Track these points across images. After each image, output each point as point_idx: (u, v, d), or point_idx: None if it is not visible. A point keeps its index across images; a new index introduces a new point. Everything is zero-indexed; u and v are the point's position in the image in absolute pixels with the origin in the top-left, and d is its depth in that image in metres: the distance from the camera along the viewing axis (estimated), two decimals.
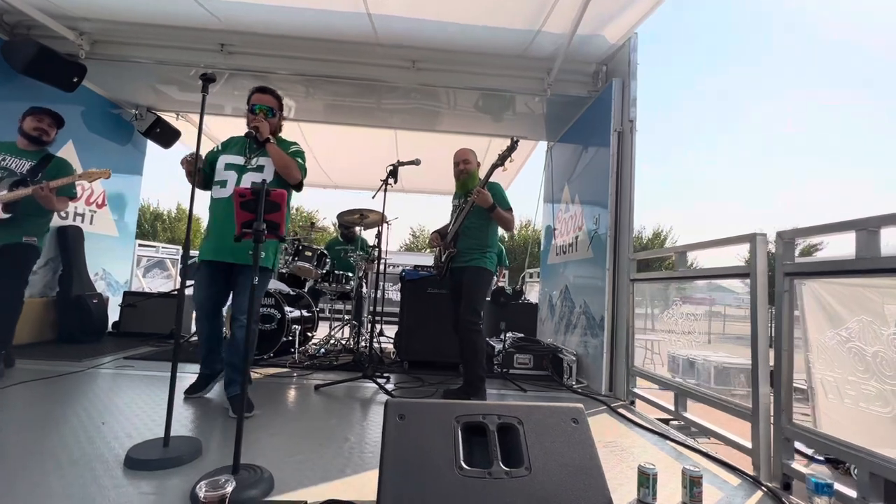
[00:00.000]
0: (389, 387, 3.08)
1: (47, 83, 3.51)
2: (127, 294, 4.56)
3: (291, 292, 4.05)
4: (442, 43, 3.57)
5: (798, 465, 1.71)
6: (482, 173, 2.85)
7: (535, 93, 3.92)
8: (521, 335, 4.23)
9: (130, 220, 5.19)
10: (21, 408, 2.23)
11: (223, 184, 2.33)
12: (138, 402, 2.37)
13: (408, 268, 3.84)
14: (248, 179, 2.31)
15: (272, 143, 2.35)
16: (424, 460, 1.17)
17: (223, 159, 2.38)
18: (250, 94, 2.43)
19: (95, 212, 4.55)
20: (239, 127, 2.52)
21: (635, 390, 3.02)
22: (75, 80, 3.66)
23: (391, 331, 4.67)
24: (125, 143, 4.98)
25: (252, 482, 1.46)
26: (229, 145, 2.47)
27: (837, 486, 1.48)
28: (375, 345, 4.34)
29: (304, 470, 1.67)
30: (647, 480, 1.54)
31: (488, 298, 4.82)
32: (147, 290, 5.72)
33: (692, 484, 1.53)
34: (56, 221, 4.07)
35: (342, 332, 4.47)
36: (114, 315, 4.50)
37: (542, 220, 5.45)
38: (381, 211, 3.24)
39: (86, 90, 4.29)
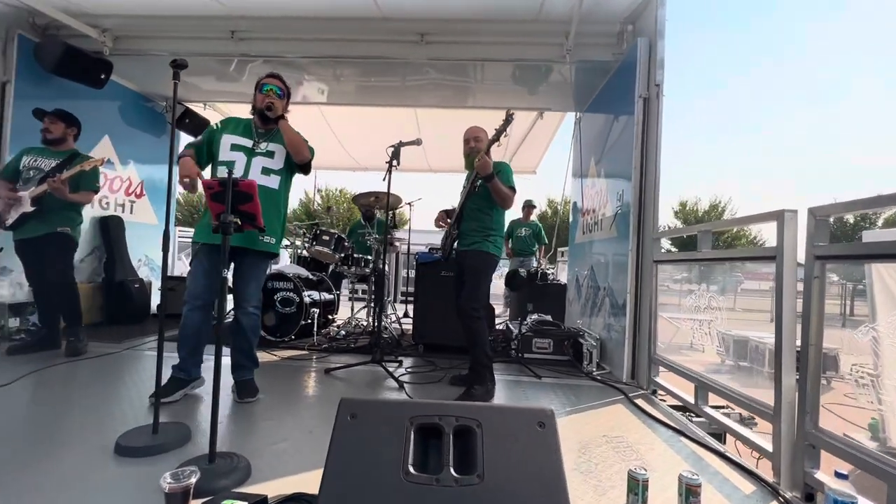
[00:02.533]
0: (400, 371, 3.07)
1: (77, 81, 3.70)
2: (167, 279, 4.84)
3: (312, 276, 4.13)
4: (448, 12, 3.36)
5: (823, 474, 1.50)
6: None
7: (554, 60, 3.65)
8: (548, 318, 4.07)
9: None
10: (47, 388, 2.43)
11: (230, 165, 2.20)
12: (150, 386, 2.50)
13: (423, 250, 3.79)
14: (259, 164, 2.29)
15: (285, 120, 2.32)
16: (370, 463, 1.12)
17: (228, 139, 2.30)
18: (259, 80, 2.40)
19: (135, 202, 4.83)
20: None
21: (658, 379, 2.81)
22: (102, 76, 3.83)
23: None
24: (160, 134, 5.21)
25: (226, 471, 1.48)
26: (229, 125, 2.40)
27: None
28: (396, 326, 4.38)
29: (285, 459, 1.68)
30: (636, 486, 1.40)
31: (502, 281, 4.69)
32: None
33: (688, 493, 1.38)
34: (98, 212, 4.38)
35: (364, 314, 4.52)
36: (157, 298, 4.81)
37: (571, 196, 5.17)
38: (388, 192, 3.15)
39: (119, 86, 4.50)
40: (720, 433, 2.27)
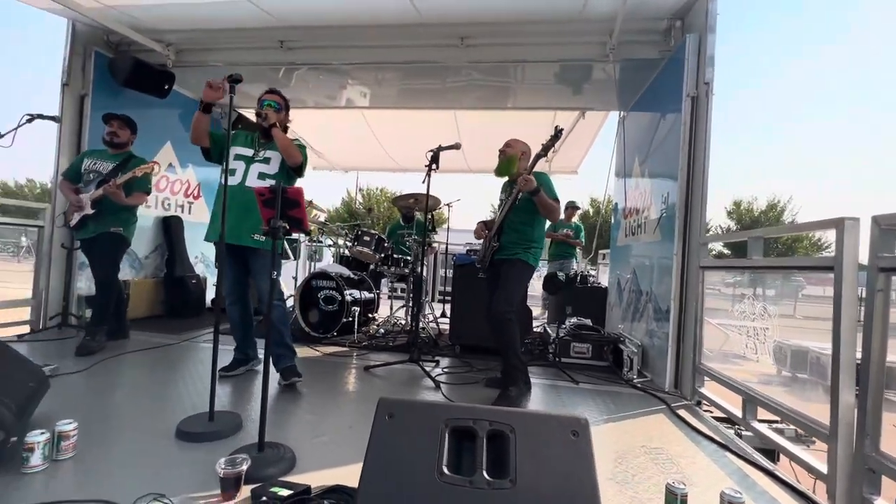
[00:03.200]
0: (436, 371, 3.12)
1: (144, 92, 4.02)
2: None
3: (353, 276, 4.27)
4: (488, 14, 3.36)
5: (884, 501, 1.40)
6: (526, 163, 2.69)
7: (597, 59, 3.58)
8: (587, 322, 4.00)
9: None
10: (116, 376, 2.68)
11: (233, 172, 2.53)
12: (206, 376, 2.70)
13: (461, 251, 3.82)
14: (256, 170, 2.55)
15: (277, 128, 2.55)
16: (407, 462, 1.17)
17: (234, 150, 2.58)
18: (259, 96, 2.64)
19: (192, 203, 5.18)
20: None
21: (703, 390, 2.70)
22: (166, 87, 4.14)
23: None
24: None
25: (273, 461, 1.58)
26: (239, 137, 2.70)
27: None
28: (434, 326, 4.44)
29: (327, 451, 1.77)
30: (674, 501, 1.37)
31: (540, 283, 4.64)
32: None
33: None
34: (161, 213, 4.74)
35: (402, 313, 4.62)
36: (212, 293, 5.14)
37: (613, 196, 5.03)
38: (426, 195, 3.21)
39: (180, 95, 4.82)
40: (772, 450, 2.16)
